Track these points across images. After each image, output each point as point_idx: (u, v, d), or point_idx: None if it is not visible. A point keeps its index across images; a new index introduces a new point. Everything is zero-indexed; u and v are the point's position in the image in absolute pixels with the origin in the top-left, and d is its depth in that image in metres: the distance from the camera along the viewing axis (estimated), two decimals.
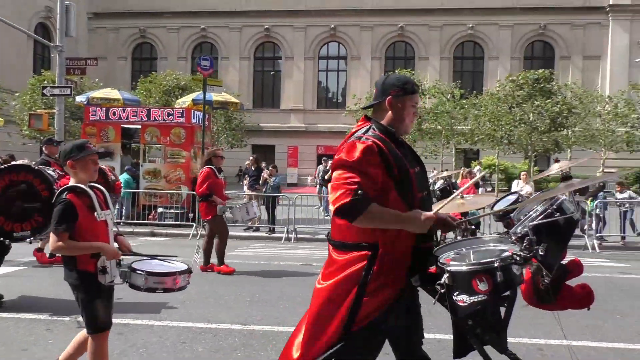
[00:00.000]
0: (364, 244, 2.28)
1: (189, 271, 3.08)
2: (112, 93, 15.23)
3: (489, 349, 2.36)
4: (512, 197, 3.30)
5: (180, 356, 4.03)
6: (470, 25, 34.69)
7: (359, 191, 2.17)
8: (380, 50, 35.93)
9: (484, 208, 7.71)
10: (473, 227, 10.63)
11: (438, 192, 9.25)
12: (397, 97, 2.40)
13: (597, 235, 11.32)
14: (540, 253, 2.21)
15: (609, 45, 33.27)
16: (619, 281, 7.27)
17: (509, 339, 2.45)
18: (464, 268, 2.16)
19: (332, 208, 2.26)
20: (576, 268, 2.57)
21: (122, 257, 3.02)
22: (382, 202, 2.25)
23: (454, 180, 10.71)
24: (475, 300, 2.10)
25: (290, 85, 35.94)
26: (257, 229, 12.29)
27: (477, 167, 18.74)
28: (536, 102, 20.17)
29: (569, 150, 23.83)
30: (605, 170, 23.57)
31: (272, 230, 12.07)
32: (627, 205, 11.42)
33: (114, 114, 13.06)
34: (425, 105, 23.55)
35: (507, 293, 2.37)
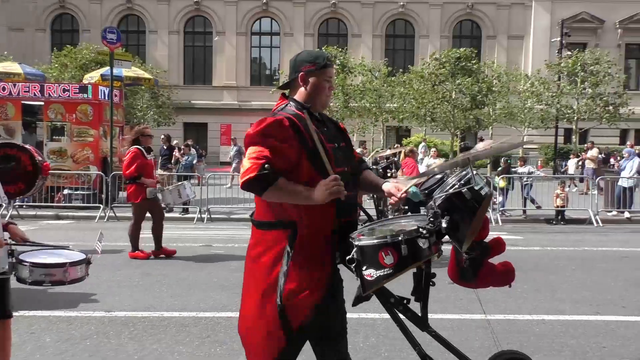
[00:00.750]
0: (283, 221, 2.26)
1: (85, 262, 2.87)
2: (12, 67, 14.27)
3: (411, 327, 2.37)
4: (439, 176, 3.24)
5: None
6: (402, 3, 34.92)
7: (266, 165, 2.14)
8: (314, 26, 35.58)
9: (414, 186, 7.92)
10: (406, 207, 10.83)
11: (380, 170, 9.31)
12: (310, 72, 2.36)
13: (500, 209, 11.85)
14: (444, 225, 2.20)
15: (531, 25, 34.48)
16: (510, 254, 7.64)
17: (431, 315, 2.43)
18: (371, 242, 2.15)
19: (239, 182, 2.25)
20: (498, 246, 2.56)
21: (14, 246, 2.81)
22: (296, 176, 2.23)
23: (396, 159, 10.80)
24: (382, 274, 2.10)
25: (222, 62, 35.05)
26: (170, 210, 12.00)
27: (422, 144, 18.94)
28: (457, 81, 20.66)
29: (490, 128, 24.68)
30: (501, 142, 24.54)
31: (186, 211, 11.83)
32: (526, 179, 11.99)
33: (4, 89, 12.25)
34: (352, 83, 23.60)
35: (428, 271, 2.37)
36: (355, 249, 2.15)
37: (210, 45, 35.55)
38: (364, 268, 2.13)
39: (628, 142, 20.15)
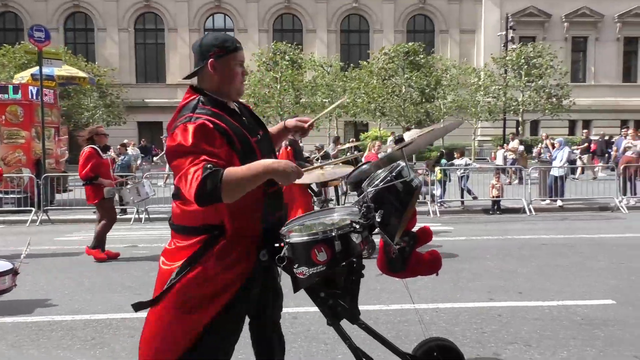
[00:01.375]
0: (206, 225, 2.09)
1: (12, 272, 2.69)
2: None
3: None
4: (366, 167, 3.17)
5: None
6: None
7: (208, 165, 1.95)
8: (268, 22, 35.40)
9: (341, 178, 7.89)
10: (333, 199, 10.87)
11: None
12: (219, 58, 2.16)
13: (439, 200, 12.06)
14: (378, 219, 2.14)
15: (482, 20, 35.17)
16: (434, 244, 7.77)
17: (360, 307, 2.38)
18: (302, 239, 2.06)
19: (191, 200, 2.01)
20: (425, 235, 2.53)
21: None
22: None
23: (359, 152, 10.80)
24: (315, 271, 2.02)
25: (175, 59, 34.48)
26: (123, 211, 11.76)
27: (390, 139, 18.99)
28: (406, 75, 20.89)
29: (441, 121, 25.05)
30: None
31: (124, 212, 11.58)
32: (463, 171, 12.23)
33: None
34: (304, 79, 23.57)
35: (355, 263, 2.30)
36: (286, 247, 2.06)
37: (162, 42, 34.96)
38: (296, 266, 2.06)
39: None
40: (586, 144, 18.64)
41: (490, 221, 10.90)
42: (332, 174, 5.06)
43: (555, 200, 12.38)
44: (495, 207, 11.97)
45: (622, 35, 34.76)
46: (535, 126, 34.94)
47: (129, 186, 7.79)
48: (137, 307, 2.18)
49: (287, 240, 2.08)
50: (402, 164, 2.33)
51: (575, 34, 34.99)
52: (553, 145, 17.64)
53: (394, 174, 2.23)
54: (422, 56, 21.78)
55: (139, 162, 16.51)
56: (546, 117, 24.73)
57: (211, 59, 2.16)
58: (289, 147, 6.56)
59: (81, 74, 13.18)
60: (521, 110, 22.89)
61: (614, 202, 12.00)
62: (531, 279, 5.62)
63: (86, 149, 6.85)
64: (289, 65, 21.94)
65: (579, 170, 16.98)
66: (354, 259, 2.24)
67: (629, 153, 12.39)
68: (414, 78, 20.96)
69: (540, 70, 22.21)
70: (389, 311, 4.55)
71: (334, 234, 2.04)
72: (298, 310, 4.30)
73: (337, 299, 2.31)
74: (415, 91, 21.19)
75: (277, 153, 6.63)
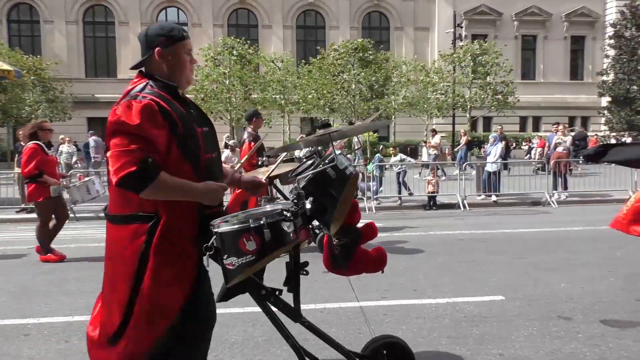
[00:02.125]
0: (142, 214, 2.03)
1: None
2: None
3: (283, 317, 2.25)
4: (309, 162, 3.03)
5: None
6: None
7: (149, 159, 1.93)
8: (223, 17, 34.89)
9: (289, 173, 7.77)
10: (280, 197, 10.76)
11: (304, 159, 9.00)
12: (166, 46, 2.15)
13: (375, 197, 12.09)
14: (308, 206, 2.07)
15: (436, 17, 35.58)
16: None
17: (303, 306, 2.29)
18: (230, 227, 1.98)
19: (113, 179, 1.97)
20: (370, 231, 2.46)
21: None
22: (166, 163, 2.02)
23: (320, 148, 10.56)
24: (244, 261, 1.95)
25: (127, 53, 33.50)
26: (32, 210, 11.29)
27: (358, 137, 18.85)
28: (353, 71, 20.91)
29: (393, 117, 25.24)
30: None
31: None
32: (399, 166, 12.29)
33: None
34: (254, 74, 23.28)
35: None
36: (214, 237, 1.99)
37: (113, 36, 34.03)
38: (225, 256, 1.98)
39: (498, 128, 21.17)
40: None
41: (423, 216, 10.99)
42: (277, 171, 4.95)
43: (490, 196, 12.60)
44: (432, 202, 12.09)
45: (569, 34, 35.76)
46: (488, 122, 35.66)
47: (77, 184, 7.41)
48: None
49: (216, 230, 2.00)
50: (337, 151, 2.26)
51: (525, 33, 35.79)
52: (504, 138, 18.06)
53: (326, 161, 2.18)
54: (370, 52, 21.82)
55: (74, 159, 15.95)
56: (492, 114, 25.22)
57: (158, 48, 2.16)
58: (252, 143, 6.40)
59: (5, 66, 12.58)
60: (469, 107, 23.23)
61: (545, 197, 12.30)
62: (430, 276, 5.63)
63: (30, 145, 6.50)
64: (237, 60, 21.63)
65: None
66: (292, 252, 2.19)
67: (559, 149, 12.69)
68: (363, 74, 20.98)
69: (485, 68, 22.57)
70: (333, 309, 4.49)
71: (262, 221, 1.97)
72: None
73: (278, 296, 2.25)
74: (364, 87, 21.20)
75: (240, 149, 6.41)
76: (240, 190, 4.96)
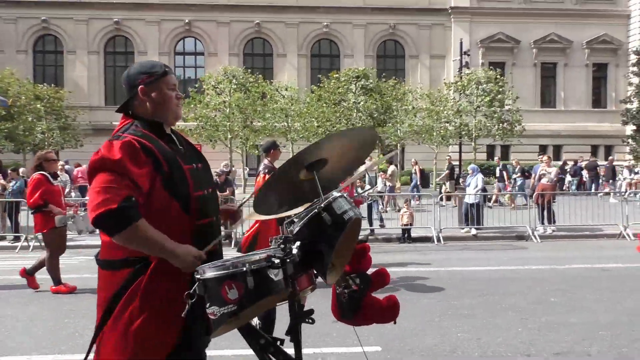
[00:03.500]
0: (132, 258, 1.97)
1: None
2: None
3: None
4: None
5: None
6: (325, 23, 35.26)
7: (132, 198, 1.88)
8: (238, 46, 35.52)
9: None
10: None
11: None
12: (149, 84, 2.11)
13: None
14: (294, 252, 1.93)
15: (451, 45, 35.24)
16: None
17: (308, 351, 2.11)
18: (213, 274, 1.85)
19: (90, 215, 1.91)
20: (381, 279, 2.31)
21: None
22: (148, 204, 1.97)
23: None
24: (226, 311, 1.82)
25: None
26: (2, 238, 11.40)
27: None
28: (352, 100, 20.72)
29: (397, 146, 24.82)
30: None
31: (16, 239, 11.21)
32: (369, 198, 11.88)
33: None
34: (256, 102, 23.33)
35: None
36: (197, 284, 1.86)
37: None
38: (207, 305, 1.86)
39: (496, 158, 20.42)
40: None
41: (391, 251, 10.50)
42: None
43: (470, 229, 12.02)
44: (406, 235, 11.59)
45: (591, 61, 34.81)
46: (505, 151, 34.84)
47: (82, 214, 7.44)
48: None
49: (198, 276, 1.88)
50: (336, 194, 2.10)
51: (544, 60, 35.03)
52: (523, 170, 17.46)
53: (322, 205, 2.02)
54: (370, 80, 21.61)
55: (67, 189, 15.94)
56: (499, 142, 24.54)
57: (141, 86, 2.13)
58: (267, 175, 6.19)
59: None
60: (474, 135, 22.62)
61: (527, 231, 11.64)
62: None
63: (35, 176, 6.56)
64: (237, 89, 21.79)
65: (493, 198, 16.66)
66: (294, 301, 2.07)
67: (544, 180, 12.05)
68: (362, 102, 20.76)
69: (490, 96, 22.01)
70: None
71: (245, 268, 1.84)
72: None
73: (279, 346, 2.12)
74: (363, 115, 20.96)
75: (255, 180, 6.36)
76: (253, 226, 4.71)
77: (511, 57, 34.96)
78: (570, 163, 22.51)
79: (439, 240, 11.36)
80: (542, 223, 12.08)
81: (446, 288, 6.62)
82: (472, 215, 11.92)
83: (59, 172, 14.42)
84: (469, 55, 25.83)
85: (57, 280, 6.58)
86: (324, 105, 21.70)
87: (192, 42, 35.75)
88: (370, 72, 21.95)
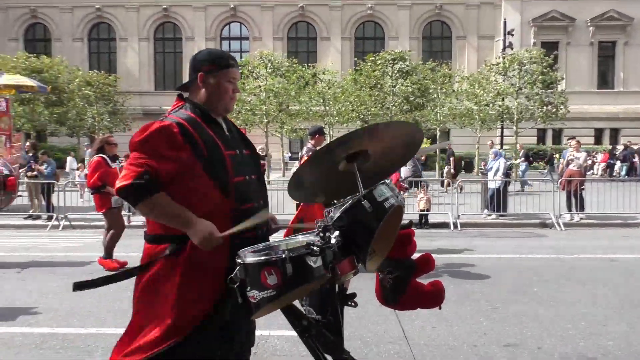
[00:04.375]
0: (170, 235, 2.10)
1: None
2: None
3: None
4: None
5: None
6: (369, 5, 34.71)
7: (146, 175, 2.00)
8: (282, 30, 35.65)
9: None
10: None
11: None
12: (210, 73, 2.20)
13: None
14: (332, 241, 1.97)
15: (501, 25, 33.82)
16: None
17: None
18: (254, 259, 1.93)
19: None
20: (426, 264, 2.35)
21: None
22: (193, 188, 2.07)
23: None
24: (265, 296, 1.88)
25: None
26: (38, 217, 12.12)
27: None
28: (388, 83, 20.38)
29: (437, 130, 24.23)
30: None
31: (50, 218, 11.90)
32: None
33: None
34: (292, 87, 23.38)
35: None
36: (238, 268, 1.93)
37: (180, 51, 35.93)
38: (248, 289, 1.92)
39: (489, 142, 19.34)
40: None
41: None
42: None
43: (490, 215, 11.65)
44: (423, 220, 11.40)
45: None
46: (558, 135, 33.31)
47: None
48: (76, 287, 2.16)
49: (240, 260, 1.95)
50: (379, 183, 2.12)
51: (602, 39, 33.02)
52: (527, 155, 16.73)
53: (363, 192, 2.07)
54: (407, 63, 21.13)
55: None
56: (575, 126, 23.46)
57: (201, 73, 2.20)
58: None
59: (29, 82, 13.70)
60: (515, 118, 21.72)
61: (552, 218, 11.15)
62: None
63: (95, 158, 6.99)
64: (271, 73, 21.93)
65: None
66: (334, 285, 2.11)
67: (572, 166, 11.45)
68: (399, 86, 20.38)
69: (533, 77, 21.01)
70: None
71: (284, 255, 1.89)
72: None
73: (321, 329, 2.16)
74: (398, 99, 20.58)
75: (299, 161, 6.45)
76: (300, 206, 4.76)
77: (565, 36, 33.19)
78: (620, 148, 21.22)
79: (455, 226, 11.10)
80: (570, 210, 11.52)
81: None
82: (490, 200, 11.53)
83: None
84: (512, 35, 24.72)
85: (109, 253, 6.91)
86: (360, 89, 21.43)
87: (237, 26, 36.20)
88: (407, 55, 21.42)
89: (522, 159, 16.94)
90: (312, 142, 6.47)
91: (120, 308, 4.92)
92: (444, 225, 11.31)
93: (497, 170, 11.54)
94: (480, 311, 4.97)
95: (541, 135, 33.48)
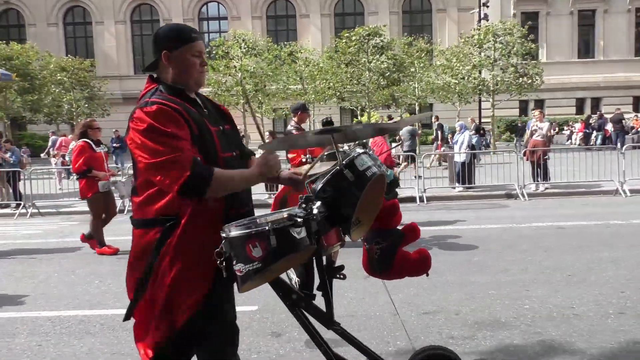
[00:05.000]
0: (163, 217, 2.05)
1: None
2: None
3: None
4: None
5: None
6: None
7: (197, 159, 1.94)
8: (261, 9, 35.28)
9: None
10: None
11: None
12: (174, 49, 2.10)
13: None
14: (315, 211, 1.99)
15: None
16: None
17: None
18: (237, 233, 1.92)
19: (169, 189, 1.97)
20: (412, 233, 2.39)
21: None
22: None
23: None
24: (251, 268, 1.89)
25: None
26: (7, 206, 12.10)
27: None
28: (363, 59, 20.27)
29: (417, 105, 24.22)
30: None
31: (17, 206, 11.86)
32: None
33: None
34: (267, 67, 23.23)
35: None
36: (223, 242, 1.93)
37: None
38: (234, 262, 1.92)
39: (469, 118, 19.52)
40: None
41: None
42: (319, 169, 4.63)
43: (463, 188, 11.76)
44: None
45: (634, 5, 32.43)
46: (540, 106, 33.42)
47: (123, 179, 7.58)
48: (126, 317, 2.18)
49: (224, 235, 1.94)
50: (359, 150, 2.16)
51: (582, 7, 32.90)
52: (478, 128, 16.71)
53: (345, 162, 2.07)
54: (381, 38, 20.99)
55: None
56: (557, 97, 23.44)
57: (165, 51, 2.11)
58: None
59: None
60: (491, 90, 21.73)
61: (516, 189, 11.27)
62: None
63: (79, 143, 6.90)
64: (246, 53, 21.74)
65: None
66: (321, 257, 2.13)
67: (535, 136, 11.53)
68: (374, 61, 20.28)
69: (507, 49, 20.94)
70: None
71: (267, 227, 1.90)
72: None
73: (310, 302, 2.20)
74: (374, 75, 20.49)
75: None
76: (282, 187, 4.81)
77: (545, 6, 33.06)
78: (595, 117, 21.34)
79: (422, 200, 11.19)
80: (535, 180, 11.64)
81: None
82: (457, 173, 11.62)
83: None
84: (487, 6, 24.54)
85: (101, 242, 6.90)
86: (338, 66, 21.31)
87: (215, 6, 35.75)
88: (382, 30, 21.26)
89: (473, 132, 17.01)
90: (295, 119, 6.43)
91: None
92: (411, 199, 11.41)
93: (462, 143, 11.59)
94: (412, 281, 5.04)
95: (524, 107, 33.56)
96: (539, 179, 11.60)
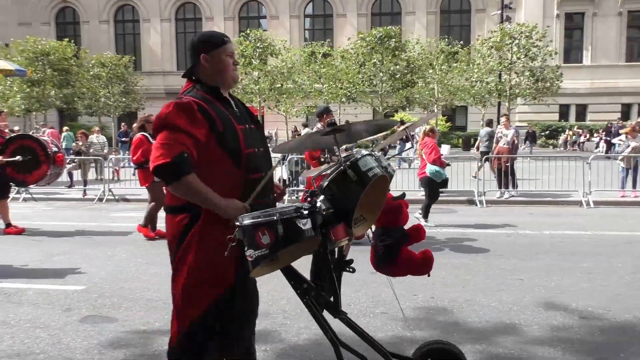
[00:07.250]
0: (188, 206, 2.27)
1: None
2: None
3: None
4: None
5: None
6: None
7: (185, 154, 2.16)
8: (299, 8, 35.86)
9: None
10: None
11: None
12: (209, 52, 2.39)
13: None
14: (318, 204, 2.17)
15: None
16: None
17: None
18: (248, 221, 2.10)
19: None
20: (417, 234, 2.52)
21: None
22: (204, 158, 2.25)
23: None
24: (260, 254, 2.06)
25: None
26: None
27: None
28: (374, 60, 20.34)
29: (435, 106, 23.94)
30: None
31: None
32: None
33: None
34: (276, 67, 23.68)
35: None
36: (237, 230, 2.10)
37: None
38: (246, 248, 2.10)
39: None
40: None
41: None
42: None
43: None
44: None
45: (625, 9, 30.47)
46: (582, 111, 32.04)
47: None
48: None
49: (237, 223, 2.13)
50: (364, 152, 2.37)
51: (632, 7, 31.13)
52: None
53: (348, 162, 2.27)
54: (394, 40, 20.93)
55: (105, 150, 16.30)
56: (601, 101, 22.58)
57: (202, 54, 2.39)
58: None
59: (8, 66, 14.71)
60: (508, 94, 21.13)
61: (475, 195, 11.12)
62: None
63: (138, 136, 7.55)
64: (260, 54, 22.38)
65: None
66: (327, 250, 2.31)
67: (501, 143, 11.31)
68: (385, 63, 20.31)
69: (524, 52, 20.27)
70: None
71: (275, 217, 2.09)
72: None
73: (320, 291, 2.36)
74: (384, 76, 20.51)
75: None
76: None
77: (592, 7, 31.50)
78: (615, 124, 20.25)
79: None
80: (500, 187, 11.44)
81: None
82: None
83: (94, 136, 16.04)
84: (510, 8, 23.78)
85: (146, 223, 7.50)
86: (347, 68, 21.49)
87: (255, 6, 36.67)
88: (394, 32, 21.20)
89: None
90: (321, 123, 6.52)
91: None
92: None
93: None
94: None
95: (564, 112, 32.27)
96: (508, 187, 11.38)
